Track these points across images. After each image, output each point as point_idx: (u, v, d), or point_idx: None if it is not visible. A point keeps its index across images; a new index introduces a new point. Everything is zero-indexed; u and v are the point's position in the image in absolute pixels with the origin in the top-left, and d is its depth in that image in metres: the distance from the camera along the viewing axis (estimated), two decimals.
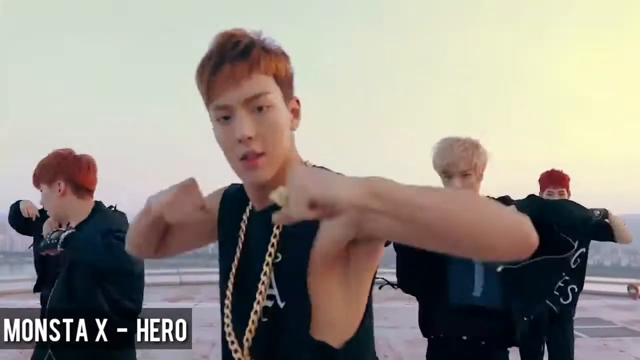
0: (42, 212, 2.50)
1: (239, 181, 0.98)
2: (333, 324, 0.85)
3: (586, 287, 9.42)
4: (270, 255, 0.88)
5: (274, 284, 0.88)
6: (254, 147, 0.83)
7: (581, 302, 8.35)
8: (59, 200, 1.91)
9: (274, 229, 0.88)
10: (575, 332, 6.20)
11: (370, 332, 0.92)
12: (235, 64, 0.82)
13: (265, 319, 0.88)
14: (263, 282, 0.88)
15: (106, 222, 1.90)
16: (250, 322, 0.88)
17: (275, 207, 0.73)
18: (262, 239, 0.90)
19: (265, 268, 0.88)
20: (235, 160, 0.86)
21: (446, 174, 1.89)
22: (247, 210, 0.97)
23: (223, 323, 0.94)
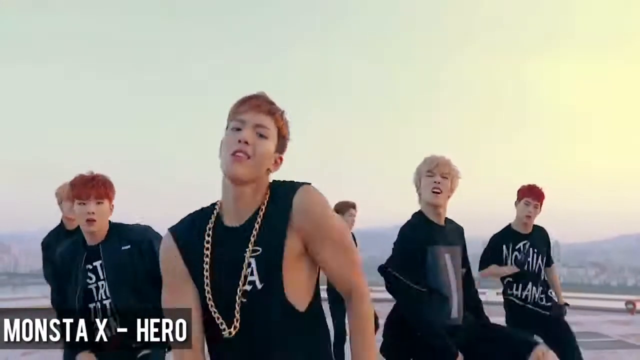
0: None
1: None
2: (298, 296, 1.17)
3: (587, 303, 9.62)
4: (251, 250, 1.15)
5: (255, 272, 1.14)
6: (246, 149, 1.13)
7: (581, 317, 8.53)
8: (109, 216, 2.12)
9: (253, 231, 1.15)
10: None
11: (320, 302, 1.26)
12: (262, 102, 1.19)
13: (244, 300, 1.14)
14: (247, 270, 1.14)
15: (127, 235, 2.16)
16: (236, 304, 1.13)
17: (250, 223, 1.16)
18: (237, 243, 1.16)
19: (249, 260, 1.14)
20: (227, 154, 1.14)
21: (430, 172, 2.24)
22: (209, 229, 1.20)
23: (209, 312, 1.17)
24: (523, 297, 3.16)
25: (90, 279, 2.09)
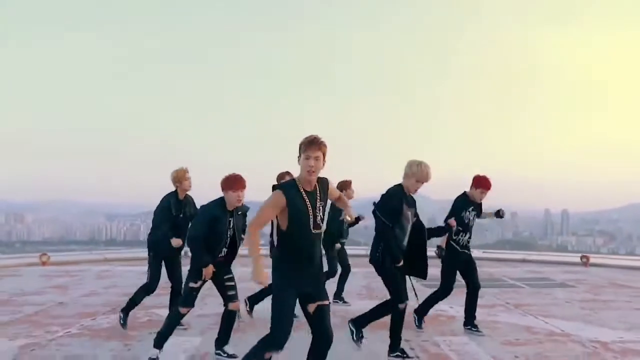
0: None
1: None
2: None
3: (553, 258, 11.65)
4: (322, 203, 3.08)
5: (323, 213, 3.11)
6: (312, 170, 2.96)
7: (541, 268, 10.47)
8: None
9: (318, 197, 3.06)
10: (519, 283, 8.35)
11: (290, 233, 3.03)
12: (317, 143, 2.95)
13: (319, 216, 3.05)
14: (320, 211, 3.09)
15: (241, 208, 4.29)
16: (318, 218, 3.09)
17: (314, 191, 3.04)
18: (314, 198, 3.03)
19: (319, 205, 3.09)
20: (304, 171, 2.97)
21: (420, 182, 4.19)
22: (303, 191, 2.99)
23: (308, 220, 3.01)
24: (461, 242, 5.11)
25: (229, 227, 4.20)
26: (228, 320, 4.28)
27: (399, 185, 4.26)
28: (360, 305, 6.62)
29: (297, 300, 3.04)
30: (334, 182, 5.79)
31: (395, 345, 4.23)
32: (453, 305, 6.44)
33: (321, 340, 3.02)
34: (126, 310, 5.17)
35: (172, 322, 4.18)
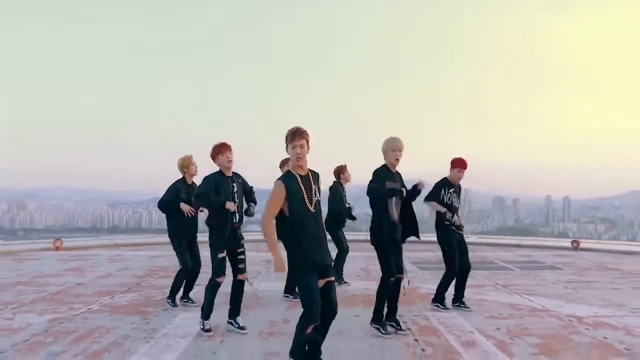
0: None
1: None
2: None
3: (546, 243, 12.14)
4: (315, 186, 3.53)
5: (318, 195, 3.56)
6: (300, 156, 3.46)
7: (533, 252, 10.95)
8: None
9: (312, 181, 3.52)
10: (510, 266, 8.82)
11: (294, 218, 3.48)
12: (300, 134, 3.46)
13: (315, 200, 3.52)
14: (316, 194, 3.55)
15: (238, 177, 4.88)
16: (313, 200, 3.52)
17: (307, 175, 3.54)
18: (309, 182, 3.50)
19: (315, 187, 3.55)
20: (294, 158, 3.50)
21: (396, 150, 4.61)
22: (298, 176, 3.48)
23: (305, 204, 3.49)
24: (452, 221, 5.56)
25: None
26: (237, 291, 4.75)
27: (383, 165, 4.73)
28: (359, 284, 7.13)
29: None
30: (331, 167, 6.25)
31: (376, 316, 4.68)
32: None
33: (328, 311, 3.44)
34: (172, 296, 5.75)
35: (212, 292, 4.70)
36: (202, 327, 4.67)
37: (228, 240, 4.68)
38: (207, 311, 4.71)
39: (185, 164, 5.70)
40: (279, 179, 3.46)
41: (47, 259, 9.96)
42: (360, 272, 8.33)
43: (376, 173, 4.71)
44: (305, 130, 3.47)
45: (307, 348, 3.43)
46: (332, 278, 3.51)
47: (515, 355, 4.06)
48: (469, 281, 7.42)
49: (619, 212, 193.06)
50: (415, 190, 4.81)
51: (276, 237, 3.40)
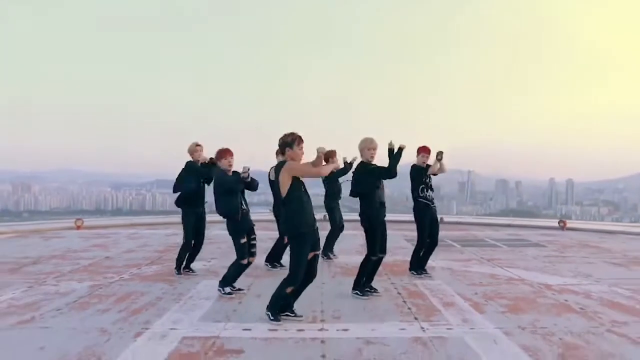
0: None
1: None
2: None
3: (535, 223, 13.02)
4: None
5: None
6: (303, 154, 4.46)
7: (522, 231, 11.78)
8: None
9: None
10: (498, 244, 9.62)
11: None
12: (302, 140, 4.56)
13: None
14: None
15: None
16: None
17: None
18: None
19: None
20: (300, 156, 4.53)
21: (370, 149, 5.40)
22: None
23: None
24: (430, 198, 6.41)
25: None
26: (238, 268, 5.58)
27: (362, 162, 5.56)
28: (358, 259, 7.95)
29: None
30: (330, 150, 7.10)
31: (356, 284, 5.52)
32: (435, 259, 7.75)
33: (309, 277, 4.60)
34: (177, 267, 6.69)
35: (237, 270, 5.54)
36: (222, 292, 5.51)
37: (245, 225, 5.51)
38: (228, 282, 5.56)
39: (190, 151, 6.67)
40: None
41: (71, 237, 10.82)
42: (360, 247, 9.15)
43: (363, 168, 5.56)
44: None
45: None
46: (318, 252, 4.63)
47: (486, 313, 4.88)
48: (459, 256, 8.25)
49: (622, 195, 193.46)
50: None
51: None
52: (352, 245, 9.13)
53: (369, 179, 5.44)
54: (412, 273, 6.61)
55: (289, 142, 4.48)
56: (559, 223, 12.47)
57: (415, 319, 4.69)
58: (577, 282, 6.26)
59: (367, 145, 5.44)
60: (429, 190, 6.53)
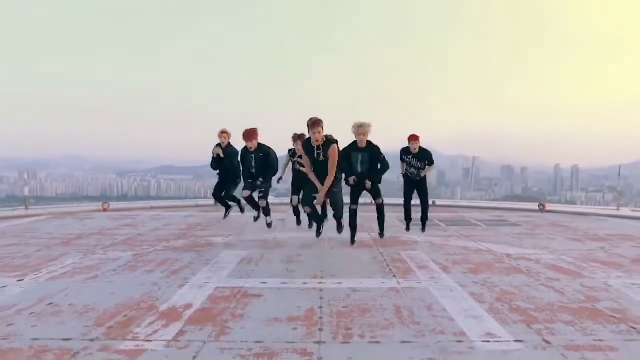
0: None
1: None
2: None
3: (520, 206, 14.37)
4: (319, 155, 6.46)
5: (322, 155, 6.61)
6: (318, 138, 6.54)
7: (505, 213, 13.15)
8: (257, 142, 7.73)
9: (321, 151, 6.60)
10: (480, 223, 11.02)
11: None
12: (318, 123, 6.69)
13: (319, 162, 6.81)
14: (321, 157, 6.56)
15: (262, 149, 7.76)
16: (319, 164, 6.84)
17: (319, 147, 6.76)
18: (319, 151, 6.47)
19: (319, 152, 6.56)
20: (314, 140, 6.73)
21: (357, 134, 7.14)
22: (315, 146, 6.53)
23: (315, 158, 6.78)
24: (411, 173, 8.06)
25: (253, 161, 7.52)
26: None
27: (353, 141, 7.28)
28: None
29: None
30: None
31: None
32: (420, 236, 9.11)
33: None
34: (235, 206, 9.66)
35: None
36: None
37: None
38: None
39: (218, 135, 8.79)
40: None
41: (101, 218, 12.25)
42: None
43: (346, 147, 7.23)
44: (321, 120, 6.46)
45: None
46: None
47: (451, 273, 6.24)
48: (441, 233, 9.62)
49: (627, 181, 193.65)
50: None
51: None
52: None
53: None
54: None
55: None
56: (539, 206, 13.77)
57: (394, 276, 6.07)
58: (534, 253, 7.61)
59: (355, 132, 7.12)
60: (411, 168, 8.38)
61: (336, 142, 6.75)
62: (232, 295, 5.22)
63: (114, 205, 14.60)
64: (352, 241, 7.81)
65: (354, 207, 7.66)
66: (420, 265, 6.66)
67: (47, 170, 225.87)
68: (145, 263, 6.81)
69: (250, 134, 7.64)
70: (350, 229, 7.75)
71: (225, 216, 10.01)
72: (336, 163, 6.69)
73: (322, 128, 6.55)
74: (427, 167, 8.45)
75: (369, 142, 7.26)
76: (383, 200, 7.87)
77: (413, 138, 8.37)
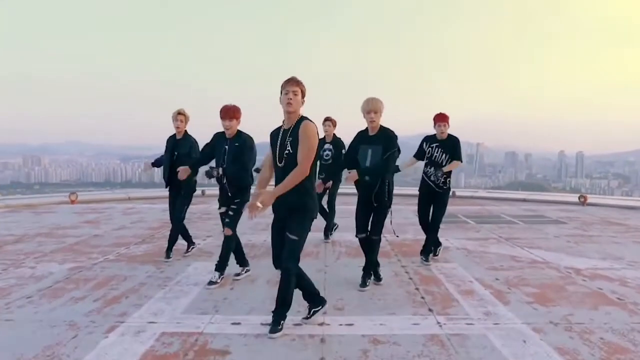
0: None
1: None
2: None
3: (554, 198, 12.20)
4: (289, 137, 3.53)
5: (290, 148, 3.52)
6: (291, 101, 3.50)
7: (540, 206, 11.02)
8: (237, 126, 4.75)
9: (288, 133, 3.54)
10: (515, 220, 8.94)
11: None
12: (295, 81, 3.55)
13: (285, 156, 3.54)
14: (287, 146, 3.53)
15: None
16: (282, 160, 3.56)
17: (288, 130, 3.56)
18: (285, 135, 3.55)
19: (288, 140, 3.53)
20: (284, 104, 3.52)
21: (365, 113, 4.59)
22: (282, 130, 3.61)
23: (275, 159, 3.63)
24: (429, 175, 5.66)
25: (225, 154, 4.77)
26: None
27: (362, 130, 4.77)
28: None
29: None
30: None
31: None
32: (448, 238, 7.12)
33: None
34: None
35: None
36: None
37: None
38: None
39: (174, 117, 5.87)
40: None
41: (64, 212, 10.31)
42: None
43: (355, 136, 4.81)
44: (300, 81, 3.57)
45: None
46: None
47: (510, 303, 4.26)
48: (474, 234, 7.61)
49: (633, 168, 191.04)
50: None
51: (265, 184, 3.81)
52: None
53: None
54: (422, 259, 5.76)
55: None
56: (579, 198, 11.73)
57: (430, 310, 4.09)
58: (609, 266, 5.61)
59: (364, 109, 4.61)
60: (431, 167, 5.67)
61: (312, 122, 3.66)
62: (182, 353, 3.25)
63: (86, 196, 12.67)
64: (370, 280, 4.90)
65: (361, 235, 4.79)
66: (462, 289, 4.68)
67: (52, 156, 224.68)
68: (79, 283, 4.86)
69: (228, 111, 4.71)
70: (366, 267, 4.90)
71: (185, 251, 6.29)
72: (312, 151, 3.52)
73: (303, 93, 3.57)
74: (449, 162, 5.60)
75: (383, 129, 4.62)
76: (380, 235, 4.76)
77: (441, 118, 5.58)
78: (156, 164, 5.99)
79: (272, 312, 3.63)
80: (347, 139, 7.17)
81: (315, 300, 3.84)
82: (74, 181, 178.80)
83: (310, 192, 3.58)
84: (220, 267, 4.90)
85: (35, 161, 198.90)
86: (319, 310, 3.84)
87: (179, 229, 5.99)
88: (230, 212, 4.87)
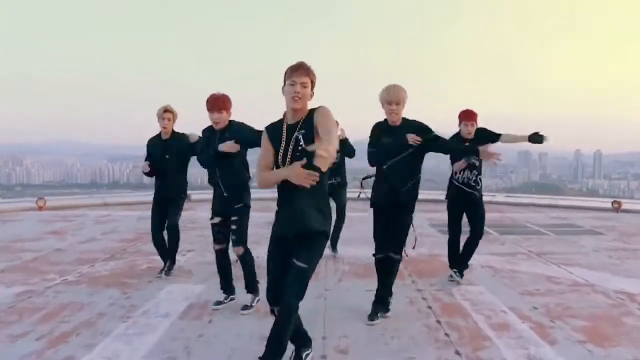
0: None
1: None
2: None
3: (582, 204, 11.48)
4: (300, 132, 2.83)
5: (302, 142, 2.84)
6: (298, 95, 2.79)
7: (569, 213, 10.36)
8: (228, 118, 4.20)
9: (298, 126, 2.87)
10: (543, 230, 8.27)
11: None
12: (304, 69, 2.81)
13: (297, 154, 2.85)
14: (300, 141, 2.84)
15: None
16: (294, 159, 2.85)
17: (295, 124, 2.86)
18: (293, 129, 2.87)
19: (298, 134, 2.85)
20: (289, 97, 2.80)
21: (386, 103, 3.97)
22: (285, 124, 2.94)
23: (278, 157, 2.92)
24: (457, 179, 5.10)
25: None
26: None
27: (385, 119, 4.11)
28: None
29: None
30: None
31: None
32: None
33: None
34: None
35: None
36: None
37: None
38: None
39: (159, 115, 5.51)
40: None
41: (29, 220, 9.67)
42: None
43: (372, 129, 4.16)
44: (311, 68, 2.86)
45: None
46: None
47: (558, 342, 3.61)
48: (499, 248, 6.97)
49: None
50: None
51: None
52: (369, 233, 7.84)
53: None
54: (453, 272, 5.22)
55: None
56: (612, 204, 11.07)
57: (458, 354, 3.43)
58: None
59: (383, 99, 4.00)
60: (463, 172, 5.08)
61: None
62: None
63: (55, 202, 12.03)
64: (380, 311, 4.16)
65: (380, 256, 4.19)
66: (495, 322, 4.02)
67: (35, 157, 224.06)
68: (24, 314, 4.21)
69: (216, 101, 4.15)
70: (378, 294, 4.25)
71: (165, 271, 5.47)
72: (335, 135, 2.87)
73: (313, 83, 2.89)
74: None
75: (406, 121, 4.07)
76: (402, 253, 4.15)
77: (468, 116, 5.01)
78: (150, 174, 5.53)
79: (260, 358, 2.96)
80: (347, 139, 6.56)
81: (306, 340, 3.19)
82: (57, 182, 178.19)
83: (328, 214, 2.96)
84: (252, 288, 4.42)
85: (16, 162, 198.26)
86: (310, 353, 3.19)
87: (177, 235, 5.44)
88: (233, 226, 4.31)
